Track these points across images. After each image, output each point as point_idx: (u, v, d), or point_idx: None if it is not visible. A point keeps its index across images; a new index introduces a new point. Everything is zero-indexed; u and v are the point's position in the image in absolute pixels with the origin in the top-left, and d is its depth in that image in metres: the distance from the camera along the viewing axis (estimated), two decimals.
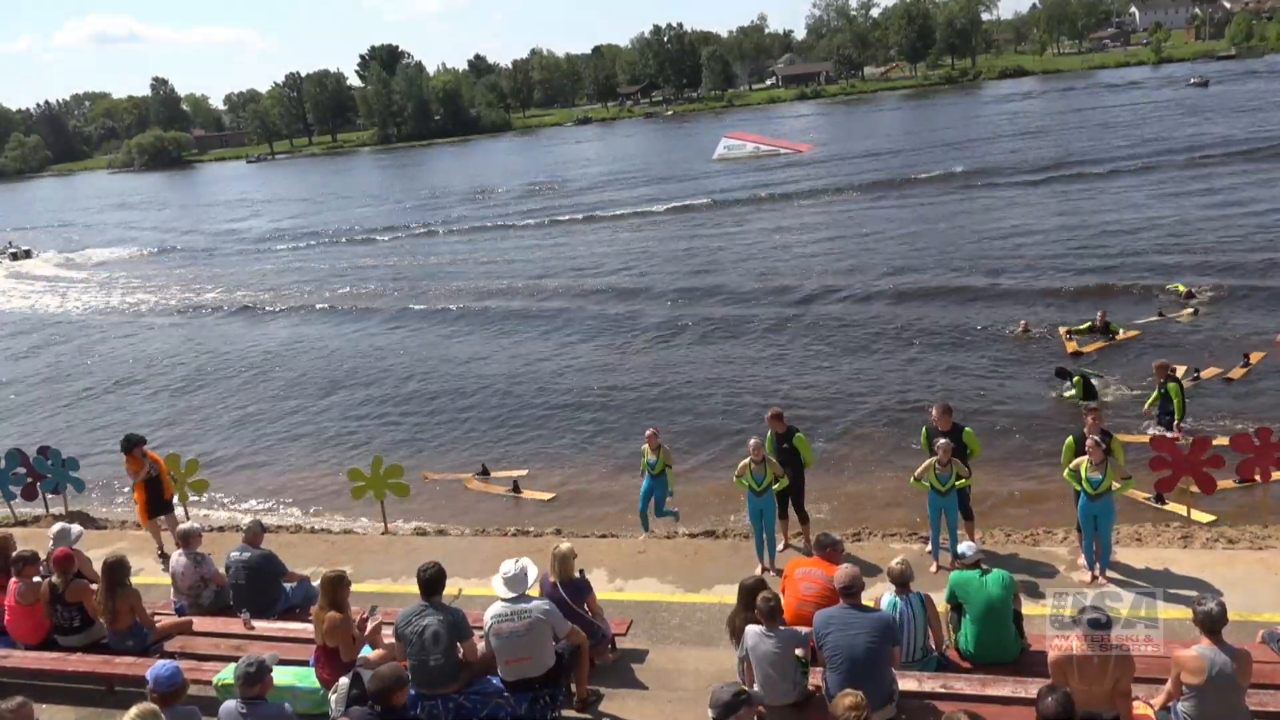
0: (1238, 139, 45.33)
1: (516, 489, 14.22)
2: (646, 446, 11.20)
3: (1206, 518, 10.60)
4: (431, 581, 6.63)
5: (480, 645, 6.80)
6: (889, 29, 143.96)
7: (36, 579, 7.97)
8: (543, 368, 21.11)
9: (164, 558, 10.61)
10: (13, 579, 7.95)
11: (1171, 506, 11.00)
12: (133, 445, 10.94)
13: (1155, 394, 13.63)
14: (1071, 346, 17.78)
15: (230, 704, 5.67)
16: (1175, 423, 13.27)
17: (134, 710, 5.06)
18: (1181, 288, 20.32)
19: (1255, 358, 16.26)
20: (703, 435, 15.95)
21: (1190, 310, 19.41)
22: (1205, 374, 15.86)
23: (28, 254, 52.99)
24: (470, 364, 22.12)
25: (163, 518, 11.15)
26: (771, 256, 30.95)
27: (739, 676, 6.45)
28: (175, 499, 11.66)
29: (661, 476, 11.13)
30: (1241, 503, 11.06)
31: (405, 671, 5.87)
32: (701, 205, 44.89)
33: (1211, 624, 5.50)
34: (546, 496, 14.00)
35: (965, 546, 7.21)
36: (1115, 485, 8.48)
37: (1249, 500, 10.90)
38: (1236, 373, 15.84)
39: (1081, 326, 18.30)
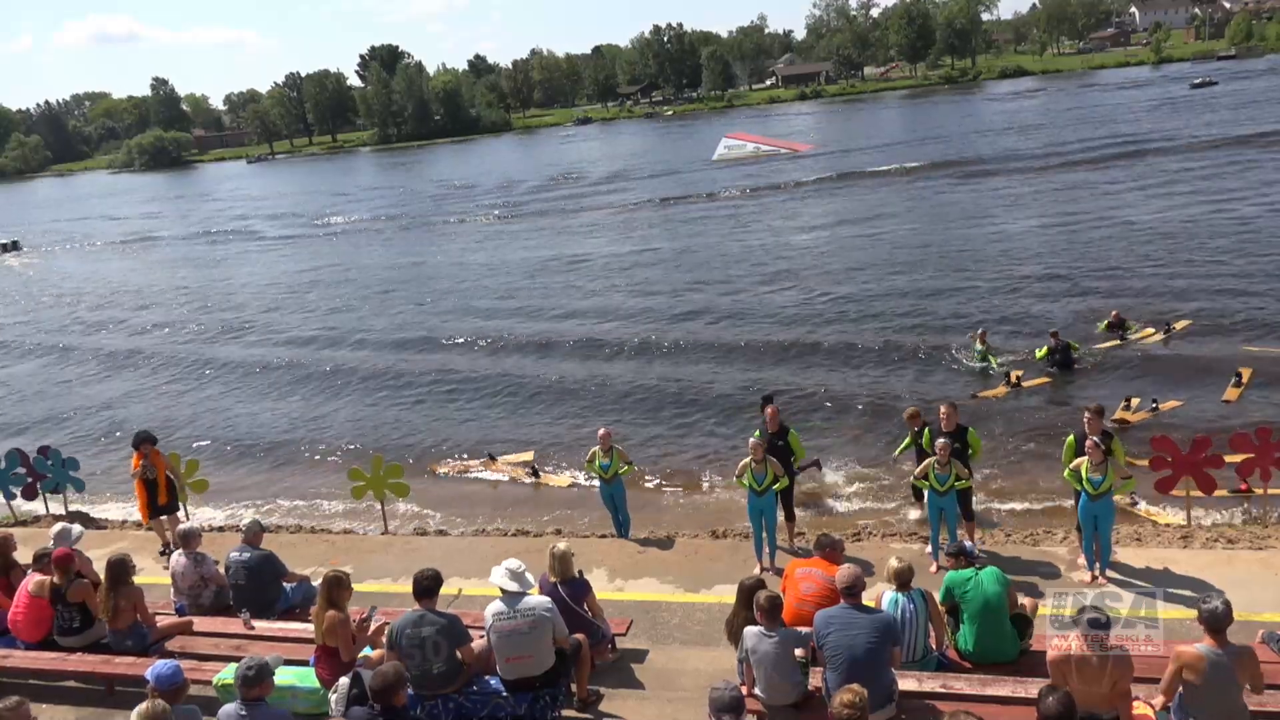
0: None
1: (535, 473, 14.61)
2: (598, 449, 10.41)
3: (1172, 520, 10.60)
4: (428, 587, 6.62)
5: (480, 643, 6.80)
6: (889, 29, 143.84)
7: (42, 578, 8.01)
8: (545, 364, 21.09)
9: (166, 552, 10.63)
10: (32, 571, 8.06)
11: (1144, 511, 11.04)
12: (139, 443, 11.07)
13: (907, 440, 10.71)
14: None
15: (230, 706, 5.67)
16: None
17: (142, 707, 5.04)
18: (1102, 325, 18.62)
19: (1247, 374, 15.28)
20: (700, 432, 15.94)
21: (1155, 331, 18.12)
22: (1164, 406, 14.62)
23: (15, 246, 52.69)
24: (471, 361, 22.08)
25: (165, 518, 11.18)
26: (774, 254, 30.89)
27: (739, 677, 6.45)
28: (177, 503, 11.56)
29: (617, 481, 10.52)
30: (1218, 506, 10.86)
31: (405, 671, 5.87)
32: (698, 203, 44.89)
33: (1215, 622, 5.49)
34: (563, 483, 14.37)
35: (968, 544, 7.22)
36: (1116, 485, 8.50)
37: (1225, 506, 10.90)
38: (1231, 394, 14.87)
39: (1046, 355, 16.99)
